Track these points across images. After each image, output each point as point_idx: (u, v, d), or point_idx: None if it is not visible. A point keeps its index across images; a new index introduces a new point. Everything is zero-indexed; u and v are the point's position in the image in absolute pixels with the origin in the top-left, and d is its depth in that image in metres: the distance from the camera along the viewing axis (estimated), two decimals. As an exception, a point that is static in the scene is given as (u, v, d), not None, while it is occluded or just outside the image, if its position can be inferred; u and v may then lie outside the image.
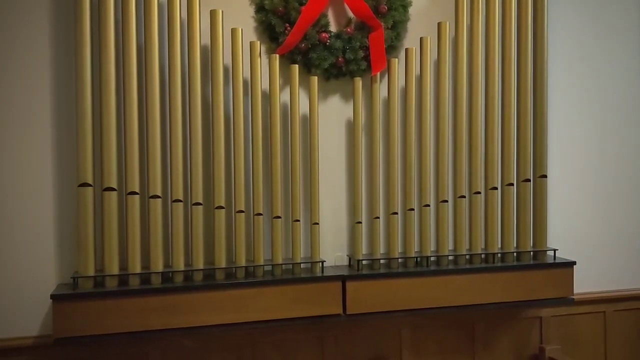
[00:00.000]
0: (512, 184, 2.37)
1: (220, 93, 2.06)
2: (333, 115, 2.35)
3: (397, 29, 2.32)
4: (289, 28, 2.17)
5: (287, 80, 2.21)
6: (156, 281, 2.02)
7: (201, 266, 2.06)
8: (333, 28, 2.29)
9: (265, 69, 2.17)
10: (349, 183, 2.37)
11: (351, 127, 2.33)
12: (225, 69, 2.10)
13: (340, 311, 2.17)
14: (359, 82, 2.24)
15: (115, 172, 1.96)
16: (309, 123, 2.21)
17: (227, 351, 2.25)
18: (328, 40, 2.22)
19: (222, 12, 2.06)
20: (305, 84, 2.23)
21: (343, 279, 2.17)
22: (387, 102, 2.28)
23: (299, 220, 2.18)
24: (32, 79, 2.04)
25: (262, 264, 2.14)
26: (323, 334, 2.34)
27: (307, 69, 2.25)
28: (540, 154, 2.39)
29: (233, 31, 2.09)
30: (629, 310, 2.75)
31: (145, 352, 2.17)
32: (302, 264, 2.21)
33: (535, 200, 2.40)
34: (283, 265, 2.18)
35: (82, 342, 1.92)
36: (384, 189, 2.32)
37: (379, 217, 2.28)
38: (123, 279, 2.01)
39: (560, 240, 2.61)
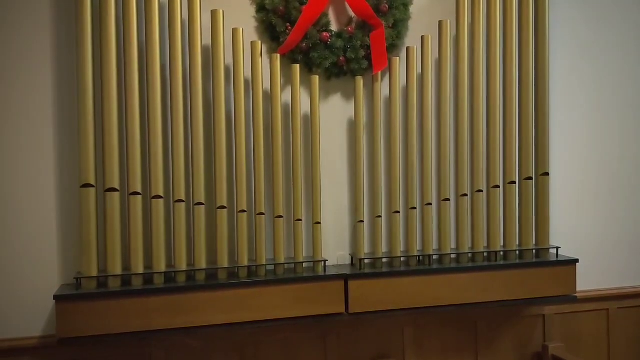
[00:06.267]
0: (514, 182, 2.37)
1: (221, 93, 2.06)
2: (334, 115, 2.35)
3: (398, 27, 2.32)
4: (289, 27, 2.17)
5: (288, 79, 2.21)
6: (159, 281, 2.03)
7: (204, 266, 2.07)
8: (334, 27, 2.29)
9: (266, 68, 2.17)
10: (351, 182, 2.37)
11: (352, 126, 2.33)
12: (227, 69, 2.10)
13: (343, 310, 2.17)
14: (360, 81, 2.24)
15: (117, 172, 1.96)
16: (310, 122, 2.21)
17: (230, 350, 2.26)
18: (329, 40, 2.22)
19: (223, 12, 2.06)
20: (306, 83, 2.23)
21: (345, 278, 2.17)
22: (389, 101, 2.28)
23: (301, 220, 2.19)
24: (33, 79, 2.04)
25: (265, 263, 2.14)
26: (326, 333, 2.35)
27: (309, 68, 2.25)
28: (543, 152, 2.39)
29: (234, 31, 2.09)
30: (632, 308, 2.74)
31: (148, 352, 2.17)
32: (304, 263, 2.21)
33: (537, 198, 2.40)
34: (285, 265, 2.18)
35: (85, 342, 1.93)
36: (386, 187, 2.32)
37: (381, 216, 2.28)
38: (126, 279, 2.01)
39: (563, 237, 2.61)
